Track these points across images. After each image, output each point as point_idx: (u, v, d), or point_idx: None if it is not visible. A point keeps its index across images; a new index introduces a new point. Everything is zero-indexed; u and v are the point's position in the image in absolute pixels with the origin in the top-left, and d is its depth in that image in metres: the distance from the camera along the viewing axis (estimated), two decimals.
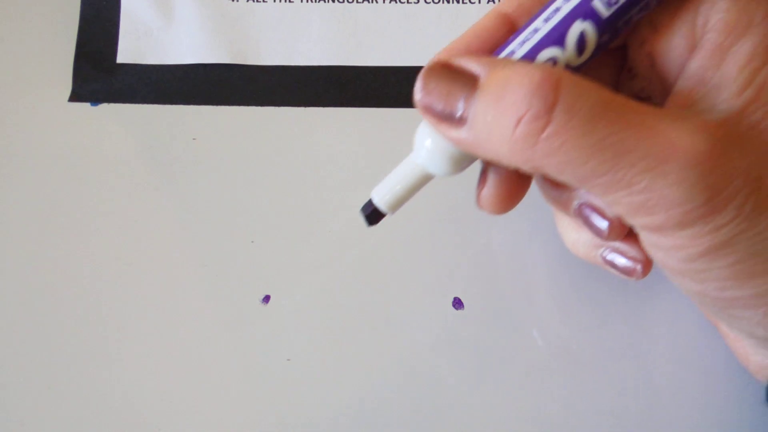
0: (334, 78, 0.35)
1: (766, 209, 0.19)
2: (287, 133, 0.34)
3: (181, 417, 0.28)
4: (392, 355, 0.29)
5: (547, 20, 0.21)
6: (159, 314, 0.30)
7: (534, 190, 0.24)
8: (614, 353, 0.28)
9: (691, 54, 0.21)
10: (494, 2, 0.36)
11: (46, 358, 0.29)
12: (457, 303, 0.30)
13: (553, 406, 0.28)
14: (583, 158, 0.19)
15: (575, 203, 0.24)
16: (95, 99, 0.36)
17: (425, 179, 0.24)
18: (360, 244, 0.28)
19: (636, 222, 0.21)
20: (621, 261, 0.24)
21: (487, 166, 0.23)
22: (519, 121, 0.19)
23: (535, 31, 0.21)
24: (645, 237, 0.21)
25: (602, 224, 0.23)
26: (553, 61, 0.21)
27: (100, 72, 0.36)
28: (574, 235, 0.27)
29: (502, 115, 0.20)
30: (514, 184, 0.24)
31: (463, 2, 0.36)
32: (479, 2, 0.36)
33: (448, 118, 0.21)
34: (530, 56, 0.21)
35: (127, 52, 0.36)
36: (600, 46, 0.21)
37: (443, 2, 0.36)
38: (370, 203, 0.24)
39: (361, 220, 0.24)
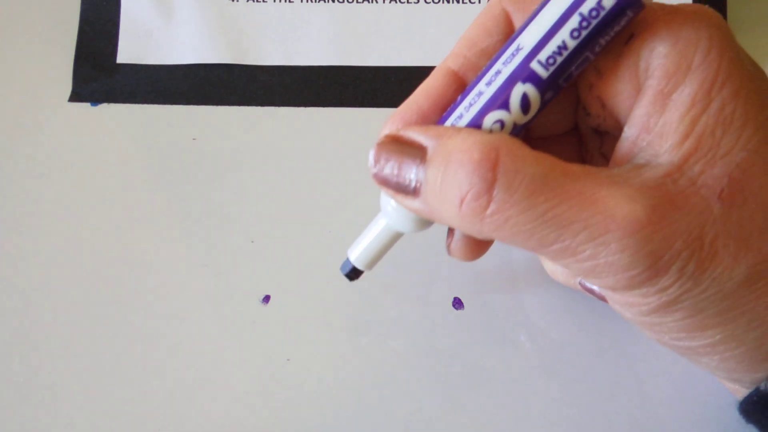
0: (334, 78, 0.35)
1: (709, 267, 0.20)
2: (287, 133, 0.34)
3: (180, 417, 0.28)
4: (392, 355, 0.29)
5: (489, 84, 0.21)
6: (159, 314, 0.30)
7: None
8: (612, 353, 0.28)
9: (637, 97, 0.21)
10: None
11: (46, 358, 0.29)
12: (457, 303, 0.30)
13: (555, 407, 0.28)
14: (528, 232, 0.20)
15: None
16: (95, 99, 0.36)
17: (395, 237, 0.25)
18: None
19: (591, 282, 0.21)
20: (597, 288, 0.25)
21: None
22: (462, 201, 0.20)
23: (480, 94, 0.22)
24: (603, 291, 0.22)
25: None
26: (501, 123, 0.21)
27: (100, 72, 0.36)
28: (551, 265, 0.28)
29: (448, 193, 0.20)
30: (479, 240, 0.24)
31: (463, 2, 0.36)
32: (479, 2, 0.36)
33: (402, 190, 0.22)
34: (477, 120, 0.21)
35: (127, 52, 0.36)
36: (545, 103, 0.22)
37: (443, 2, 0.36)
38: (348, 262, 0.26)
39: (341, 277, 0.27)
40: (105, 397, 0.29)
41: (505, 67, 0.21)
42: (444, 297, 0.30)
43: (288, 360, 0.29)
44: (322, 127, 0.34)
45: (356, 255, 0.26)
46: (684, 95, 0.20)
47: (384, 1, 0.36)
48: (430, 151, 0.21)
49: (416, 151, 0.21)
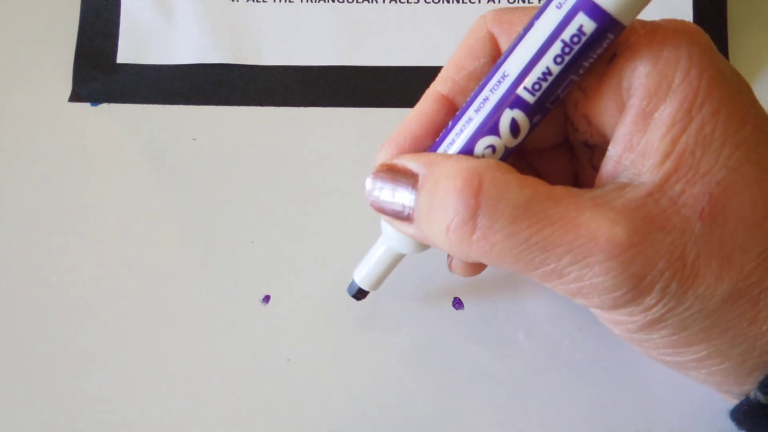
0: (334, 78, 0.35)
1: (691, 286, 0.20)
2: (287, 133, 0.34)
3: (180, 417, 0.28)
4: (393, 354, 0.29)
5: (478, 110, 0.22)
6: (159, 314, 0.30)
7: None
8: (611, 353, 0.28)
9: (621, 115, 0.21)
10: (494, 2, 0.36)
11: (46, 358, 0.29)
12: (457, 303, 0.30)
13: (555, 406, 0.28)
14: (514, 257, 0.20)
15: None
16: (95, 99, 0.36)
17: (398, 258, 0.26)
18: (360, 245, 0.28)
19: (578, 303, 0.21)
20: None
21: None
22: (449, 228, 0.21)
23: (470, 120, 0.22)
24: (591, 310, 0.22)
25: None
26: (492, 148, 0.22)
27: (100, 72, 0.36)
28: None
29: (436, 219, 0.21)
30: None
31: (463, 2, 0.36)
32: (479, 2, 0.36)
33: (398, 216, 0.23)
34: (469, 146, 0.22)
35: (127, 52, 0.36)
36: (534, 125, 0.22)
37: (443, 2, 0.36)
38: (354, 284, 0.28)
39: (348, 297, 0.28)
40: (104, 397, 0.29)
41: (492, 93, 0.22)
42: (444, 297, 0.30)
43: (288, 360, 0.29)
44: (322, 127, 0.34)
45: (361, 277, 0.27)
46: (665, 115, 0.20)
47: (384, 1, 0.36)
48: (420, 179, 0.22)
49: (408, 179, 0.22)
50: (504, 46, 0.23)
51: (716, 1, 0.35)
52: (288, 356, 0.29)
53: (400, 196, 0.22)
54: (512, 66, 0.21)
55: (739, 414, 0.23)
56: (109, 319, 0.30)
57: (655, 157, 0.20)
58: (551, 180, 0.27)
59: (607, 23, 0.20)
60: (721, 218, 0.20)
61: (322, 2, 0.36)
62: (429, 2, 0.36)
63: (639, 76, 0.20)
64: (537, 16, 0.21)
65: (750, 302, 0.20)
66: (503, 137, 0.22)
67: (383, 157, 0.24)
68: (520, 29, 0.22)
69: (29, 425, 0.28)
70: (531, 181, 0.21)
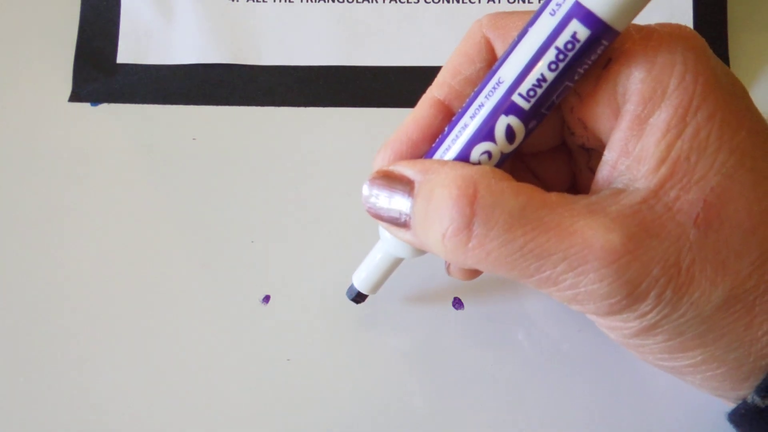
0: (334, 78, 0.35)
1: (686, 293, 0.20)
2: (287, 133, 0.34)
3: (181, 417, 0.28)
4: (393, 355, 0.29)
5: (473, 117, 0.22)
6: (159, 314, 0.30)
7: None
8: (611, 354, 0.28)
9: (616, 120, 0.21)
10: (494, 2, 0.36)
11: (46, 358, 0.29)
12: (457, 303, 0.30)
13: (555, 406, 0.28)
14: (509, 264, 0.20)
15: None
16: (95, 99, 0.36)
17: (396, 263, 0.27)
18: (360, 245, 0.28)
19: (574, 309, 0.21)
20: None
21: None
22: (444, 235, 0.21)
23: (465, 126, 0.22)
24: (588, 316, 0.22)
25: None
26: (488, 154, 0.22)
27: (100, 72, 0.36)
28: None
29: (432, 228, 0.21)
30: None
31: (463, 2, 0.36)
32: (479, 2, 0.36)
33: (394, 223, 0.23)
34: (465, 152, 0.22)
35: (127, 52, 0.36)
36: (530, 131, 0.22)
37: (443, 2, 0.36)
38: (353, 288, 0.28)
39: (347, 300, 0.28)
40: (105, 397, 0.29)
41: (487, 100, 0.22)
42: (444, 297, 0.30)
43: (288, 360, 0.29)
44: (322, 127, 0.34)
45: (360, 281, 0.27)
46: (660, 120, 0.20)
47: (384, 1, 0.36)
48: (416, 186, 0.22)
49: (405, 186, 0.22)
50: (499, 50, 0.23)
51: (716, 1, 0.35)
52: (288, 356, 0.29)
53: (397, 203, 0.22)
54: (507, 72, 0.21)
55: (736, 417, 0.23)
56: (109, 318, 0.30)
57: (650, 162, 0.20)
58: (549, 182, 0.26)
59: (600, 30, 0.20)
60: (716, 224, 0.20)
61: (322, 2, 0.36)
62: (429, 2, 0.36)
63: (634, 82, 0.20)
64: (531, 23, 0.21)
65: (745, 308, 0.20)
66: (499, 143, 0.22)
67: (380, 162, 0.24)
68: (515, 34, 0.22)
69: (29, 425, 0.28)
70: (526, 188, 0.21)
